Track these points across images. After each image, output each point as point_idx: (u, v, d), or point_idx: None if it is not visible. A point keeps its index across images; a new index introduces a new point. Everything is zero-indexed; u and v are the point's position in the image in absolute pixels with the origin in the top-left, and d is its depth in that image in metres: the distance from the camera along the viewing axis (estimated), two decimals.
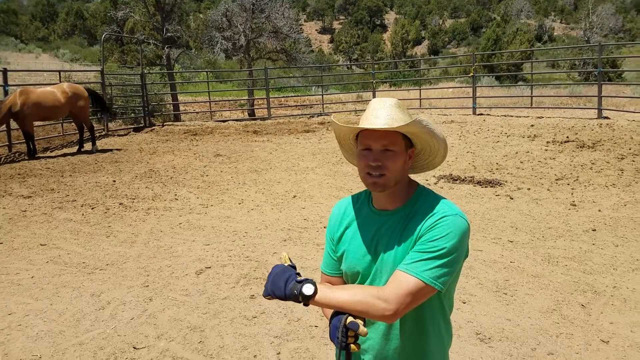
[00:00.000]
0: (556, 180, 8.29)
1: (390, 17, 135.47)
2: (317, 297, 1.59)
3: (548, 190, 7.80)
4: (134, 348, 3.77)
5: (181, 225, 6.78)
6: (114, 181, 9.31)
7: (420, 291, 1.57)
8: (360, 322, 1.56)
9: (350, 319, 1.56)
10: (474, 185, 8.20)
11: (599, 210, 6.70)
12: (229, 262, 5.44)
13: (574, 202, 7.11)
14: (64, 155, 12.21)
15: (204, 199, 8.05)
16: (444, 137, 1.76)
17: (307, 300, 1.59)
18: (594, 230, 5.99)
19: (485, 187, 8.10)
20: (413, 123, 1.63)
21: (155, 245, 6.04)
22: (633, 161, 8.99)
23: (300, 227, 6.57)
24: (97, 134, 14.58)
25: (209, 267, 5.29)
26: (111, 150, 12.75)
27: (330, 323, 1.61)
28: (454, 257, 1.60)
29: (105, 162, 11.22)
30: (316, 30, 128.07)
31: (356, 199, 1.89)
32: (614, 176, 8.23)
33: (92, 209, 7.63)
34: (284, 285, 1.62)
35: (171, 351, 3.73)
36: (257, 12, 22.95)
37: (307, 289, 1.59)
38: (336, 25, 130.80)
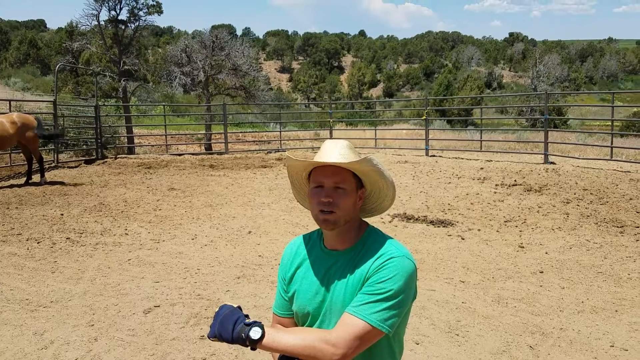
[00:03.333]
0: (505, 222, 8.53)
1: (347, 59, 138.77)
2: (264, 341, 1.56)
3: (497, 231, 8.00)
4: None
5: (130, 262, 6.58)
6: (62, 214, 9.00)
7: (368, 334, 1.57)
8: None
9: None
10: (427, 225, 8.34)
11: (546, 253, 6.90)
12: (179, 300, 5.30)
13: (522, 244, 7.31)
14: (11, 186, 11.76)
15: (156, 234, 7.87)
16: (392, 180, 1.79)
17: (254, 344, 1.56)
18: (542, 272, 6.16)
19: (438, 226, 8.25)
20: (364, 160, 1.67)
21: (102, 282, 5.83)
22: (578, 205, 9.36)
23: (255, 263, 6.49)
24: (47, 166, 14.13)
25: (158, 306, 5.14)
26: (60, 182, 12.37)
27: None
28: (401, 298, 1.61)
29: (54, 194, 10.86)
30: (275, 69, 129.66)
31: (308, 238, 1.89)
32: (560, 219, 8.53)
33: (38, 243, 7.33)
34: (232, 328, 1.58)
35: None
36: (217, 50, 23.08)
37: (255, 333, 1.55)
38: (295, 65, 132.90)
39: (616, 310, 5.04)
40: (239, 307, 1.66)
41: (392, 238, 1.75)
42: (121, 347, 4.26)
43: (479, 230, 8.09)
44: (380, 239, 1.73)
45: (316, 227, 1.85)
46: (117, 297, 5.37)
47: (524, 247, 7.16)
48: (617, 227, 8.02)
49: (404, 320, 1.72)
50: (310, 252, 1.83)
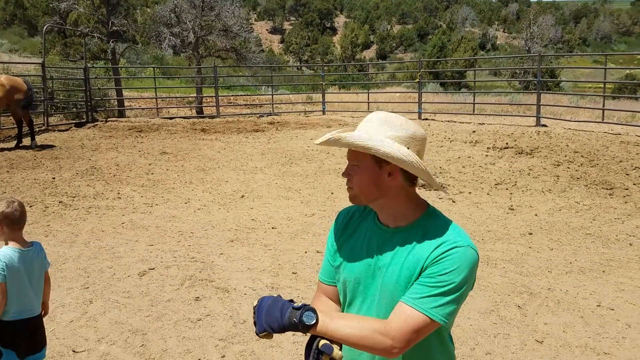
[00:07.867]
0: (496, 184, 8.60)
1: (340, 20, 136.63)
2: (318, 327, 1.49)
3: (488, 194, 8.07)
4: (73, 352, 3.66)
5: (124, 225, 6.61)
6: (54, 178, 8.97)
7: (426, 327, 1.51)
8: (336, 345, 1.50)
9: (323, 341, 1.50)
10: (418, 188, 8.36)
11: (536, 215, 6.99)
12: (174, 263, 5.36)
13: (512, 206, 7.39)
14: (1, 150, 11.66)
15: (149, 198, 7.88)
16: (408, 158, 1.67)
17: (308, 329, 1.49)
18: (531, 233, 6.25)
19: (429, 190, 8.30)
20: (325, 142, 1.61)
21: (96, 245, 5.87)
22: (568, 168, 9.43)
23: (248, 227, 6.54)
24: (37, 129, 13.96)
25: (153, 269, 5.19)
26: (51, 146, 12.27)
27: (306, 344, 1.55)
28: (463, 291, 1.53)
29: (45, 158, 10.79)
30: (267, 30, 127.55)
31: (363, 207, 1.79)
32: (550, 182, 8.60)
33: (30, 207, 7.32)
34: (280, 315, 1.50)
35: (112, 355, 3.64)
36: (207, 10, 22.59)
37: (308, 318, 1.48)
38: (287, 26, 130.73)
39: (603, 271, 5.15)
40: (279, 296, 1.59)
41: (454, 223, 1.64)
42: (117, 309, 4.32)
43: (469, 193, 8.16)
44: (441, 222, 1.63)
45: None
46: (111, 260, 5.41)
47: (514, 210, 7.24)
48: (607, 189, 8.11)
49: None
50: (364, 221, 1.75)
